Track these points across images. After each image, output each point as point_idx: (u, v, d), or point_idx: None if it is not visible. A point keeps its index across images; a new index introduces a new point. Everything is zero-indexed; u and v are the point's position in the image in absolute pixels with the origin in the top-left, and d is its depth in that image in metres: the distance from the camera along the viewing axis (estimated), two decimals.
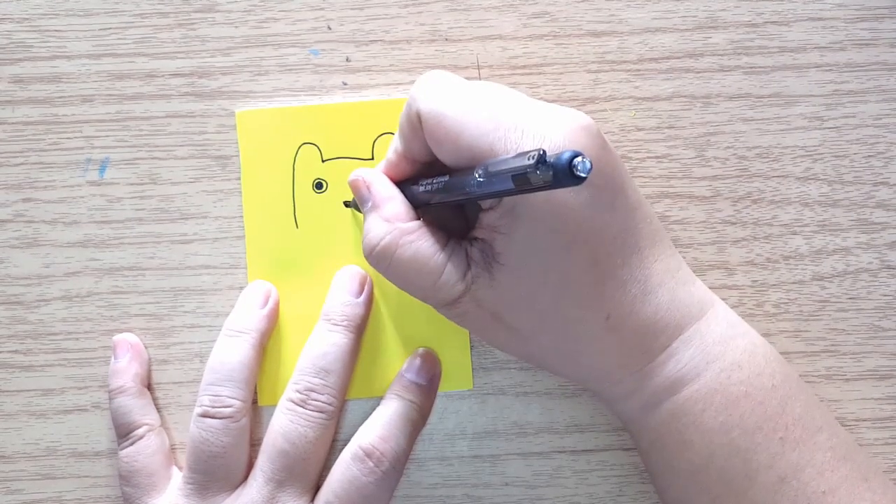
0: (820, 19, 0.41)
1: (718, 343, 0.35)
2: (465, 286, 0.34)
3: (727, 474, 0.34)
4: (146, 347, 0.41)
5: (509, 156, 0.30)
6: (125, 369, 0.40)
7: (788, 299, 0.40)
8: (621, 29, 0.41)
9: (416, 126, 0.34)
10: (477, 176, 0.31)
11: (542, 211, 0.32)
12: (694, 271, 0.40)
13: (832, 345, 0.40)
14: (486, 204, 0.34)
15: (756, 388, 0.34)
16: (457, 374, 0.40)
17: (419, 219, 0.35)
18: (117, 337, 0.40)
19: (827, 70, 0.41)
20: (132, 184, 0.41)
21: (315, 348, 0.38)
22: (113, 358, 0.40)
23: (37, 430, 0.41)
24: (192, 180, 0.41)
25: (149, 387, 0.40)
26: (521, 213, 0.32)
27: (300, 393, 0.37)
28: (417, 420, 0.39)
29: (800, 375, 0.40)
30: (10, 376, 0.41)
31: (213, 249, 0.41)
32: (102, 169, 0.41)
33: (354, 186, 0.37)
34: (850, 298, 0.40)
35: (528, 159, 0.27)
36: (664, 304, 0.34)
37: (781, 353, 0.40)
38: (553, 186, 0.26)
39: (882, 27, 0.41)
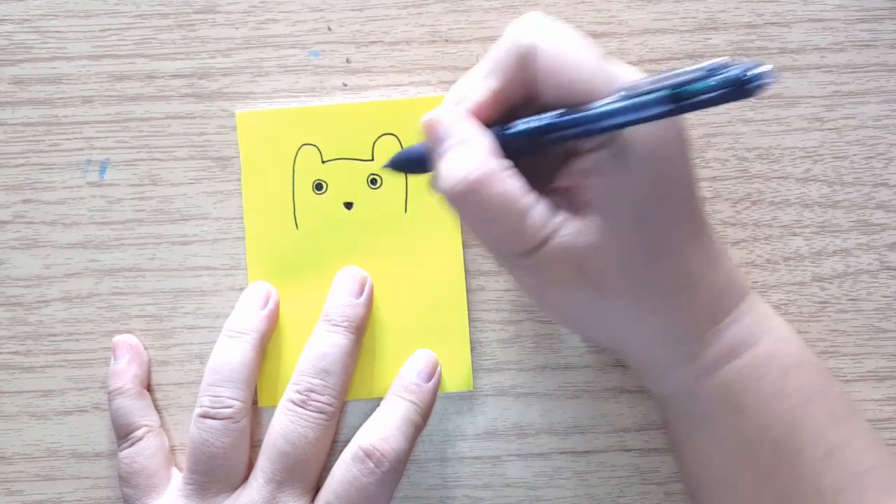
0: (820, 20, 0.41)
1: (770, 316, 0.36)
2: (552, 230, 0.32)
3: (779, 445, 0.34)
4: (146, 349, 0.41)
5: (651, 78, 0.29)
6: (124, 371, 0.40)
7: (788, 300, 0.40)
8: (621, 30, 0.41)
9: (526, 61, 0.32)
10: (615, 98, 0.29)
11: (650, 157, 0.32)
12: None
13: (832, 346, 0.40)
14: (585, 147, 0.32)
15: (807, 360, 0.35)
16: (457, 374, 0.40)
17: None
18: (117, 338, 0.40)
19: (827, 71, 0.41)
20: (132, 185, 0.41)
21: (315, 349, 0.38)
22: (112, 359, 0.40)
23: (37, 432, 0.41)
24: (192, 181, 0.41)
25: (148, 388, 0.40)
26: (630, 157, 0.32)
27: (300, 394, 0.37)
28: (418, 421, 0.39)
29: None
30: (10, 377, 0.41)
31: (214, 250, 0.41)
32: (102, 170, 0.41)
33: (433, 124, 0.33)
34: (851, 300, 0.40)
35: (700, 72, 0.26)
36: (727, 270, 0.35)
37: None
38: (722, 100, 0.26)
39: (882, 28, 0.41)
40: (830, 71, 0.41)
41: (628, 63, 0.40)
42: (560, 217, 0.32)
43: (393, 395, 0.39)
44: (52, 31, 0.41)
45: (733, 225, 0.40)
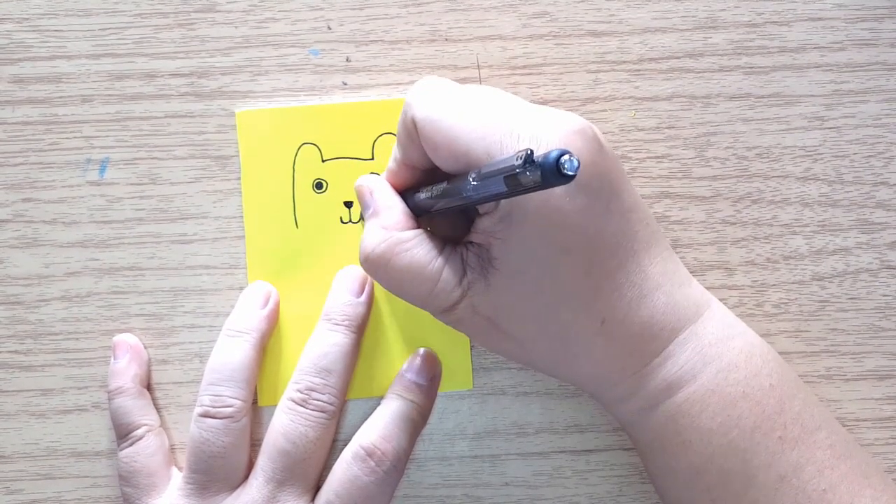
0: (820, 19, 0.41)
1: (715, 344, 0.35)
2: (462, 292, 0.34)
3: (726, 475, 0.34)
4: (146, 348, 0.41)
5: (502, 158, 0.30)
6: (124, 370, 0.40)
7: (788, 299, 0.40)
8: (621, 29, 0.41)
9: (412, 133, 0.34)
10: (471, 179, 0.31)
11: (536, 216, 0.32)
12: (694, 271, 0.40)
13: (832, 345, 0.40)
14: (482, 209, 0.34)
15: (753, 388, 0.34)
16: (457, 374, 0.40)
17: (419, 227, 0.35)
18: (117, 337, 0.40)
19: (827, 70, 0.41)
20: (132, 184, 0.41)
21: (316, 348, 0.38)
22: (112, 358, 0.40)
23: (36, 431, 0.41)
24: (191, 180, 0.41)
25: (148, 387, 0.40)
26: (517, 219, 0.32)
27: (301, 392, 0.37)
28: (418, 420, 0.39)
29: (800, 375, 0.40)
30: (9, 376, 0.41)
31: (213, 249, 0.41)
32: (102, 169, 0.41)
33: (358, 192, 0.37)
34: (851, 298, 0.40)
35: (517, 160, 0.27)
36: (660, 307, 0.34)
37: (781, 354, 0.40)
38: (543, 186, 0.27)
39: (882, 27, 0.41)
40: (830, 70, 0.41)
41: (628, 63, 0.40)
42: (467, 279, 0.34)
43: (393, 394, 0.39)
44: (51, 30, 0.41)
45: (733, 224, 0.40)
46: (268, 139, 0.40)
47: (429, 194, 0.35)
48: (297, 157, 0.40)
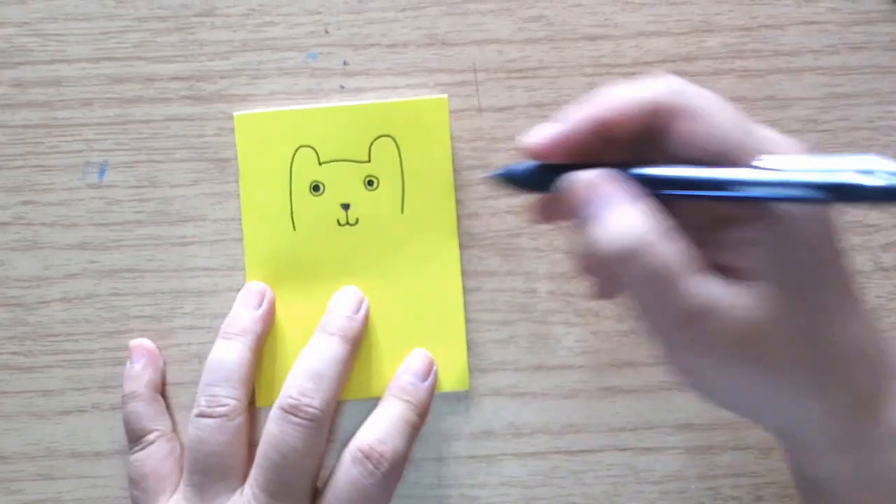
0: (814, 23, 0.41)
1: None
2: (712, 300, 0.30)
3: None
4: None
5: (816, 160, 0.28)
6: (139, 375, 0.40)
7: None
8: (616, 33, 0.41)
9: (645, 114, 0.31)
10: (766, 172, 0.29)
11: (810, 228, 0.30)
12: None
13: None
14: (744, 215, 0.31)
15: None
16: (453, 374, 0.40)
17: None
18: (134, 341, 0.41)
19: (821, 73, 0.41)
20: (131, 186, 0.41)
21: (309, 355, 0.38)
22: (128, 362, 0.40)
23: (36, 431, 0.41)
24: (190, 183, 0.41)
25: (162, 393, 0.41)
26: (792, 228, 0.30)
27: (292, 398, 0.37)
28: (415, 421, 0.39)
29: None
30: (9, 377, 0.41)
31: (212, 251, 0.41)
32: (102, 172, 0.41)
33: (590, 187, 0.31)
34: None
35: (866, 172, 0.26)
36: (882, 345, 0.32)
37: None
38: (873, 203, 0.26)
39: (875, 31, 0.41)
40: (824, 73, 0.41)
41: (623, 66, 0.41)
42: (721, 288, 0.30)
43: (390, 396, 0.39)
44: (51, 35, 0.41)
45: None
46: (266, 142, 0.41)
47: (674, 177, 0.31)
48: (295, 160, 0.41)
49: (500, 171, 0.34)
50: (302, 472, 0.37)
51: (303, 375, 0.38)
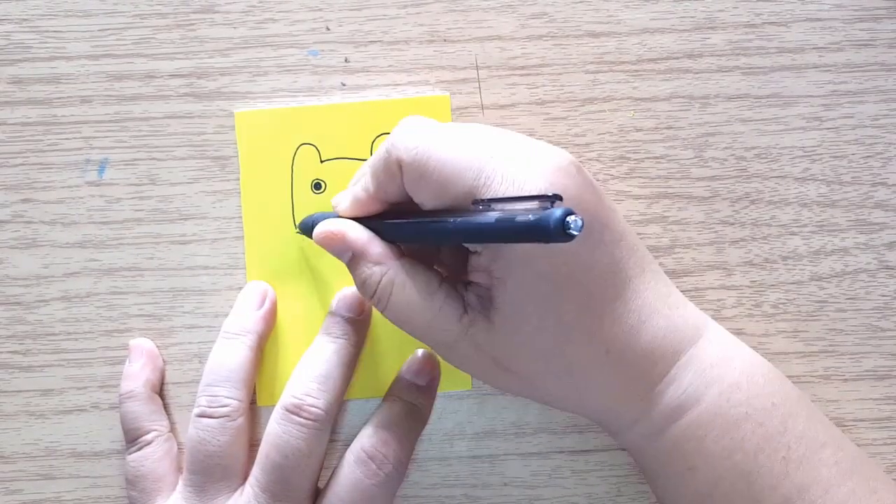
0: (818, 20, 0.41)
1: (716, 365, 0.35)
2: (463, 329, 0.34)
3: (732, 499, 0.34)
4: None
5: (496, 206, 0.31)
6: (137, 374, 0.40)
7: (787, 299, 0.40)
8: (619, 30, 0.41)
9: (394, 172, 0.34)
10: (450, 220, 0.31)
11: (531, 255, 0.32)
12: (692, 272, 0.40)
13: (830, 345, 0.40)
14: (472, 247, 0.34)
15: (756, 408, 0.34)
16: (456, 374, 0.40)
17: (403, 254, 0.35)
18: (133, 341, 0.40)
19: (825, 70, 0.41)
20: (131, 184, 0.41)
21: (313, 356, 0.38)
22: (127, 361, 0.40)
23: (36, 431, 0.41)
24: (190, 181, 0.41)
25: (161, 393, 0.40)
26: (511, 258, 0.32)
27: (296, 398, 0.37)
28: (418, 421, 0.39)
29: (798, 376, 0.40)
30: (9, 377, 0.41)
31: (212, 250, 0.41)
32: (101, 169, 0.41)
33: (327, 242, 0.35)
34: (849, 299, 0.40)
35: (529, 216, 0.28)
36: (660, 331, 0.34)
37: (779, 354, 0.40)
38: (542, 241, 0.27)
39: (880, 28, 0.41)
40: (829, 70, 0.41)
41: (626, 63, 0.40)
42: (468, 316, 0.34)
43: (392, 397, 0.39)
44: (50, 31, 0.41)
45: (732, 224, 0.41)
46: (267, 140, 0.40)
47: (404, 230, 0.35)
48: (296, 158, 0.40)
49: (303, 222, 0.39)
50: (303, 472, 0.37)
51: (307, 376, 0.37)
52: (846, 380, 0.40)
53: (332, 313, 0.39)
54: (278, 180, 0.40)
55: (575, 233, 0.27)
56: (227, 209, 0.41)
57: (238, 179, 0.41)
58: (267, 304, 0.40)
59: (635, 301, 0.34)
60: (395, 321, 0.35)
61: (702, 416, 0.34)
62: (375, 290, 0.34)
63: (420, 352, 0.40)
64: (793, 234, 0.40)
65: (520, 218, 0.28)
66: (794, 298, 0.40)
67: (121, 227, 0.41)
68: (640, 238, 0.36)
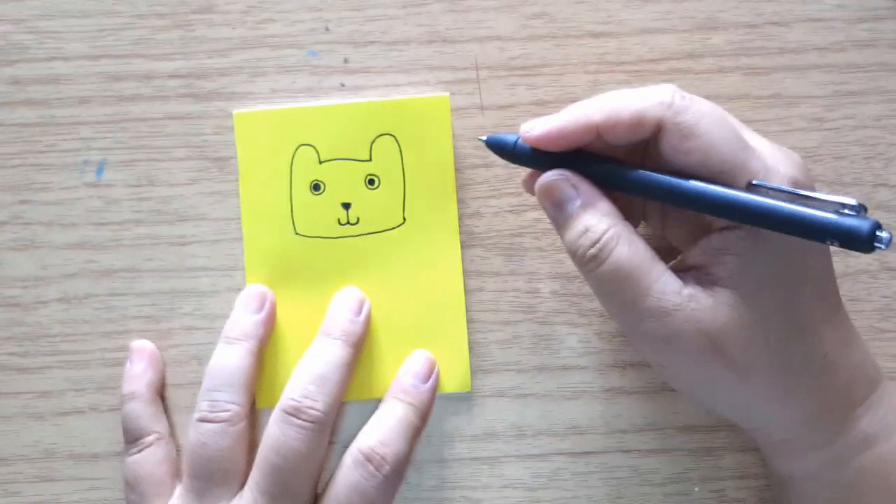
0: (820, 20, 0.41)
1: None
2: (684, 300, 0.32)
3: None
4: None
5: (809, 196, 0.31)
6: (140, 375, 0.40)
7: None
8: (620, 30, 0.41)
9: (645, 124, 0.32)
10: (743, 194, 0.31)
11: (788, 240, 0.31)
12: None
13: None
14: (720, 223, 0.32)
15: None
16: (455, 376, 0.40)
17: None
18: (136, 342, 0.40)
19: (827, 71, 0.41)
20: (130, 185, 0.41)
21: (312, 358, 0.38)
22: (128, 363, 0.40)
23: (34, 433, 0.41)
24: (189, 182, 0.41)
25: (162, 395, 0.40)
26: (768, 239, 0.32)
27: (294, 400, 0.37)
28: (417, 423, 0.38)
29: None
30: (7, 378, 0.41)
31: (211, 251, 0.41)
32: (100, 171, 0.41)
33: (554, 186, 0.33)
34: (850, 300, 0.40)
35: (841, 210, 0.28)
36: (863, 354, 0.34)
37: None
38: (845, 246, 0.28)
39: (882, 28, 0.40)
40: (830, 71, 0.41)
41: (627, 64, 0.40)
42: (690, 289, 0.32)
43: (391, 398, 0.39)
44: (48, 32, 0.41)
45: None
46: (265, 140, 0.40)
47: (673, 182, 0.32)
48: (295, 159, 0.40)
49: (493, 137, 0.36)
50: (303, 475, 0.37)
51: (305, 378, 0.37)
52: None
53: (330, 314, 0.39)
54: (277, 181, 0.40)
55: (882, 247, 0.27)
56: (226, 210, 0.41)
57: (237, 180, 0.41)
58: (266, 308, 0.39)
59: (846, 319, 0.34)
60: (607, 281, 0.32)
61: (892, 451, 0.33)
62: (599, 241, 0.32)
63: (418, 353, 0.40)
64: None
65: (828, 217, 0.28)
66: None
67: (119, 228, 0.41)
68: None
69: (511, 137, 0.35)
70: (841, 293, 0.40)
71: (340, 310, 0.39)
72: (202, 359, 0.40)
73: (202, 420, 0.37)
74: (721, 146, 0.32)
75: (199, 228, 0.41)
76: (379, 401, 0.39)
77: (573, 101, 0.40)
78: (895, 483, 0.33)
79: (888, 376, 0.40)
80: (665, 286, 0.32)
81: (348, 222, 0.40)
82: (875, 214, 0.40)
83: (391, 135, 0.40)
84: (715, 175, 0.32)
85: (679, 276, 0.33)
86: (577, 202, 0.33)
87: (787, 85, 0.41)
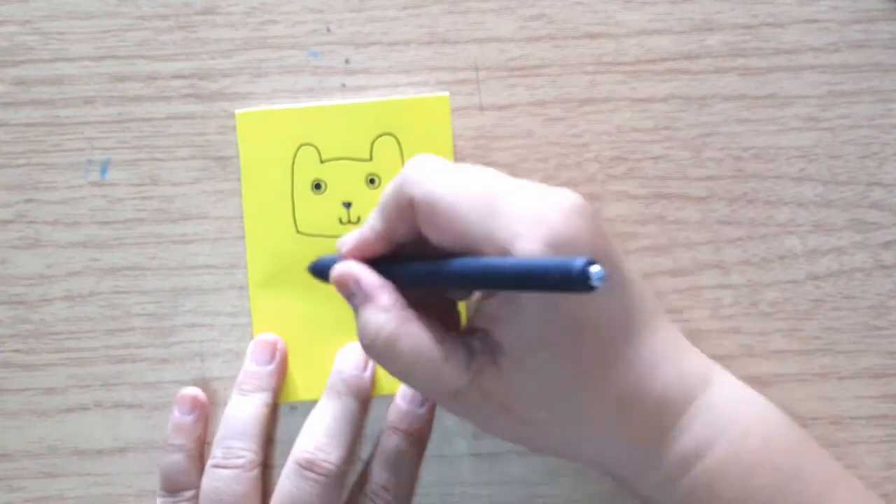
0: (814, 21, 0.41)
1: (726, 414, 0.34)
2: (471, 376, 0.32)
3: None
4: (146, 348, 0.41)
5: (513, 253, 0.30)
6: (191, 428, 0.40)
7: (784, 298, 0.41)
8: (618, 31, 0.41)
9: (405, 210, 0.33)
10: (469, 261, 0.31)
11: (544, 299, 0.31)
12: (690, 271, 0.41)
13: (827, 343, 0.41)
14: (482, 292, 0.33)
15: (770, 453, 0.34)
16: None
17: (409, 305, 0.34)
18: (186, 390, 0.40)
19: (821, 71, 0.41)
20: (133, 185, 0.41)
21: (324, 413, 0.39)
22: (177, 412, 0.40)
23: (39, 429, 0.41)
24: (192, 181, 0.41)
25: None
26: (523, 303, 0.31)
27: (308, 453, 0.37)
28: (419, 447, 0.39)
29: (795, 374, 0.40)
30: (12, 375, 0.41)
31: (214, 249, 0.41)
32: (104, 170, 0.41)
33: (341, 284, 0.34)
34: (845, 298, 0.41)
35: (560, 269, 0.27)
36: (670, 379, 0.34)
37: (776, 352, 0.40)
38: (563, 290, 0.27)
39: (876, 29, 0.41)
40: (825, 71, 0.41)
41: (625, 64, 0.41)
42: (476, 361, 0.32)
43: (389, 429, 0.39)
44: (53, 33, 0.41)
45: (729, 224, 0.41)
46: (267, 140, 0.41)
47: (417, 271, 0.34)
48: (297, 158, 0.41)
49: (314, 264, 0.38)
50: None
51: (318, 432, 0.38)
52: (842, 378, 0.41)
53: (337, 369, 0.39)
54: (279, 180, 0.41)
55: (597, 284, 0.26)
56: (229, 209, 0.41)
57: (239, 179, 0.41)
58: (278, 357, 0.40)
59: (645, 348, 0.33)
60: (398, 372, 0.33)
61: (714, 464, 0.33)
62: (380, 338, 0.32)
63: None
64: (789, 233, 0.41)
65: (541, 260, 0.28)
66: (791, 297, 0.41)
67: (123, 227, 0.41)
68: (638, 239, 0.36)
69: (325, 260, 0.37)
70: (836, 291, 0.40)
71: (348, 366, 0.39)
72: (204, 355, 0.41)
73: (216, 466, 0.38)
74: (468, 217, 0.31)
75: (202, 227, 0.41)
76: (384, 397, 0.40)
77: (571, 100, 0.41)
78: (726, 493, 0.33)
79: (881, 373, 0.40)
80: (452, 368, 0.32)
81: (349, 221, 0.41)
82: (870, 213, 0.41)
83: (392, 134, 0.40)
84: (467, 249, 0.31)
85: (468, 341, 0.33)
86: (357, 299, 0.33)
87: (783, 85, 0.41)
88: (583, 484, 0.41)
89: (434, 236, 0.33)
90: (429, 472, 0.41)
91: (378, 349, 0.33)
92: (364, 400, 0.39)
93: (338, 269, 0.34)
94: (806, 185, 0.41)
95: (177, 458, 0.39)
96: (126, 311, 0.41)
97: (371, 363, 0.40)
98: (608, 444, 0.34)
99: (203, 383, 0.41)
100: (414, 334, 0.32)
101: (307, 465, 0.37)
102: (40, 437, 0.41)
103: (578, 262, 0.26)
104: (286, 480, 0.37)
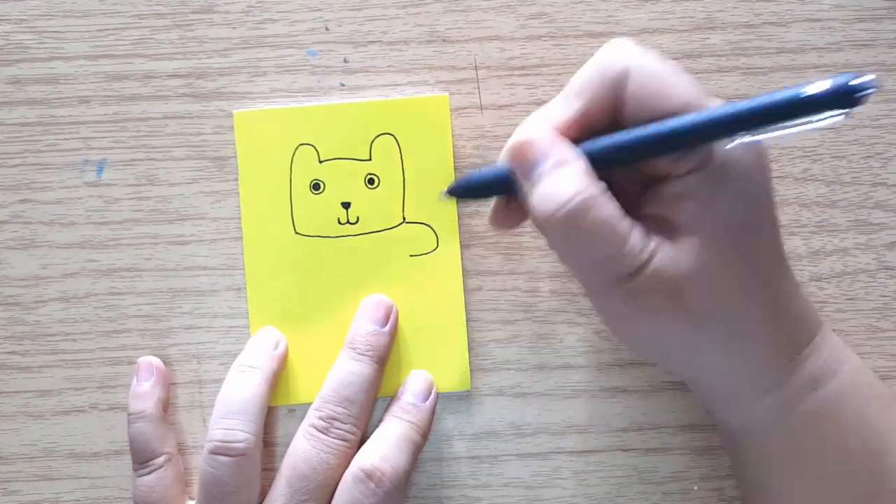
0: (818, 20, 0.41)
1: (842, 348, 0.35)
2: (649, 255, 0.31)
3: (862, 476, 0.34)
4: (142, 349, 0.40)
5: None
6: (148, 394, 0.39)
7: None
8: (619, 30, 0.41)
9: (612, 84, 0.32)
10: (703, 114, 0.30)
11: (744, 181, 0.31)
12: None
13: None
14: (676, 171, 0.32)
15: (880, 391, 0.35)
16: (455, 375, 0.40)
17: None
18: (142, 359, 0.40)
19: (825, 71, 0.41)
20: (130, 185, 0.41)
21: (339, 376, 0.38)
22: (135, 380, 0.40)
23: (34, 432, 0.41)
24: (189, 181, 0.41)
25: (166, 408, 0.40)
26: (726, 180, 0.31)
27: (323, 420, 0.37)
28: (417, 440, 0.38)
29: None
30: (7, 377, 0.41)
31: (211, 250, 0.41)
32: (100, 170, 0.41)
33: (527, 149, 0.32)
34: (849, 299, 0.40)
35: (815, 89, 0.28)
36: (805, 302, 0.35)
37: None
38: (841, 107, 0.28)
39: (880, 28, 0.41)
40: (828, 71, 0.41)
41: None
42: (655, 241, 0.31)
43: (390, 417, 0.39)
44: (49, 32, 0.41)
45: None
46: (265, 140, 0.40)
47: (623, 138, 0.32)
48: (295, 158, 0.40)
49: (457, 183, 0.37)
50: (328, 487, 0.37)
51: (333, 399, 0.38)
52: None
53: (356, 324, 0.39)
54: (277, 181, 0.40)
55: (870, 91, 0.27)
56: (226, 209, 0.41)
57: (237, 180, 0.41)
58: (280, 348, 0.39)
59: (790, 267, 0.34)
60: (579, 244, 0.32)
61: (838, 389, 0.34)
62: (572, 203, 0.31)
63: (417, 372, 0.40)
64: (792, 234, 0.40)
65: (808, 89, 0.28)
66: None
67: (119, 227, 0.41)
68: None
69: (486, 174, 0.35)
70: (839, 293, 0.40)
71: (367, 320, 0.39)
72: (202, 357, 0.40)
73: (215, 452, 0.37)
74: (692, 87, 0.32)
75: (199, 228, 0.41)
76: (382, 399, 0.39)
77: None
78: (847, 418, 0.34)
79: (885, 375, 0.40)
80: (635, 245, 0.31)
81: (348, 221, 0.40)
82: (874, 214, 0.40)
83: (391, 134, 0.40)
84: (681, 109, 0.31)
85: (643, 223, 0.32)
86: (549, 161, 0.32)
87: (786, 84, 0.41)
88: (583, 486, 0.40)
89: (644, 111, 0.32)
90: (428, 475, 0.40)
91: (565, 216, 0.31)
92: (381, 360, 0.39)
93: (526, 134, 0.32)
94: (809, 185, 0.40)
95: (140, 426, 0.39)
96: (122, 313, 0.41)
97: (392, 320, 0.39)
98: (748, 351, 0.33)
99: (200, 386, 0.40)
100: (602, 206, 0.31)
101: (322, 430, 0.37)
102: (36, 440, 0.41)
103: (845, 76, 0.27)
104: (301, 439, 0.37)
